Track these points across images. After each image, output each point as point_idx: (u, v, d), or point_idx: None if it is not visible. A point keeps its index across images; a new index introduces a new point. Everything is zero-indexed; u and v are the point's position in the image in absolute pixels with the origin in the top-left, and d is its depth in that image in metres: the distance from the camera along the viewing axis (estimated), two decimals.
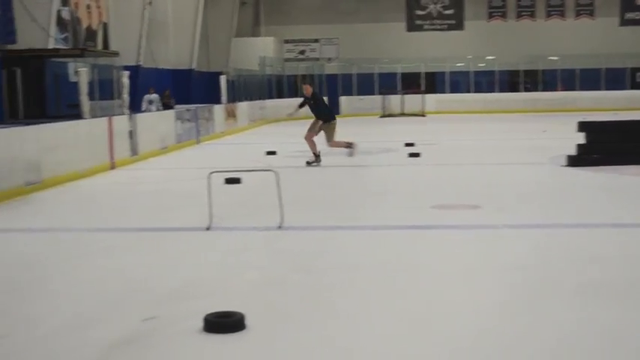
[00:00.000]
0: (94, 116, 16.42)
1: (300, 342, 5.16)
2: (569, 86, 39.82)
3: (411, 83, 39.95)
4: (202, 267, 7.36)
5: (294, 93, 40.43)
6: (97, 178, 14.49)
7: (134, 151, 17.43)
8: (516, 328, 5.37)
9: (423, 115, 36.59)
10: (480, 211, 10.06)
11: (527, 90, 40.62)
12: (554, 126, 26.46)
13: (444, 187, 12.40)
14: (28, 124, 14.00)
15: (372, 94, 39.74)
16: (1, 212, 10.86)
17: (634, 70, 40.49)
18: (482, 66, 41.04)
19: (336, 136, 15.51)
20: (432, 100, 38.37)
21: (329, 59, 42.12)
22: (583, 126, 14.95)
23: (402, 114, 36.90)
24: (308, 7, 42.01)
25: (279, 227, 8.96)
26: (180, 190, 12.79)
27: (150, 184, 13.93)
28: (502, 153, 18.20)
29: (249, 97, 33.48)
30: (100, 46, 23.84)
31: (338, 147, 15.48)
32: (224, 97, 27.47)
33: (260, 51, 38.24)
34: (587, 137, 14.76)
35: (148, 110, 22.84)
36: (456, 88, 41.04)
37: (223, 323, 5.33)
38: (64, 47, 20.33)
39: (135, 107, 21.66)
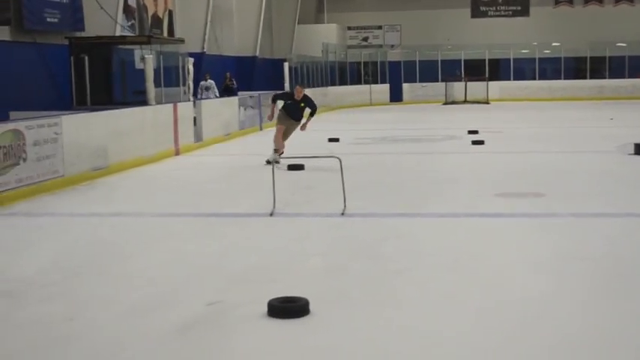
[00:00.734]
0: (159, 103, 16.61)
1: (363, 328, 5.17)
2: (636, 73, 38.99)
3: (475, 70, 39.57)
4: (266, 253, 7.41)
5: (356, 80, 40.41)
6: (161, 163, 14.67)
7: (198, 137, 17.60)
8: (586, 321, 5.30)
9: (487, 103, 36.25)
10: (545, 199, 9.95)
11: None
12: (621, 114, 26.00)
13: (508, 175, 12.28)
14: (95, 110, 14.23)
15: (435, 81, 39.49)
16: (69, 197, 11.07)
17: None
18: (547, 53, 40.41)
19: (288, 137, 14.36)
20: (495, 87, 37.99)
21: (392, 46, 41.91)
22: None
23: (466, 101, 36.61)
24: None
25: (343, 214, 8.97)
26: (244, 176, 12.89)
27: (214, 170, 14.07)
28: (567, 141, 17.93)
29: (312, 84, 33.54)
30: (165, 33, 24.07)
31: (277, 143, 13.94)
32: (287, 83, 27.55)
33: (323, 38, 38.20)
34: None
35: (204, 97, 22.88)
36: (520, 75, 40.48)
37: (288, 308, 5.36)
38: (131, 35, 20.59)
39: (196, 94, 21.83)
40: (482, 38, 39.89)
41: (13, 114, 13.45)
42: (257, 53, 32.85)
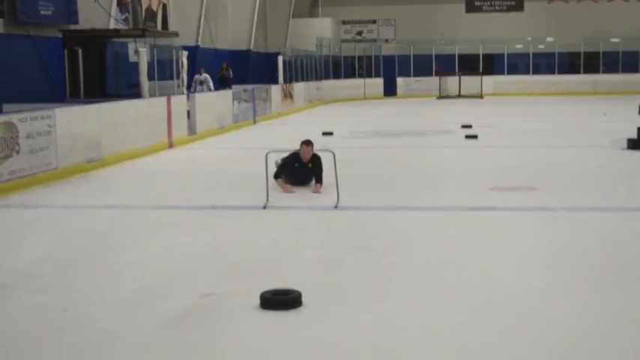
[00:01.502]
0: (152, 96, 16.59)
1: (355, 321, 5.19)
2: (630, 69, 39.06)
3: (469, 65, 39.61)
4: (259, 245, 7.42)
5: (350, 74, 40.40)
6: (155, 156, 14.67)
7: (192, 130, 17.60)
8: (581, 314, 5.32)
9: (481, 97, 36.29)
10: (538, 193, 9.97)
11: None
12: (615, 109, 26.05)
13: (501, 169, 12.30)
14: (88, 103, 14.22)
15: (429, 75, 39.52)
16: (63, 189, 11.07)
17: None
18: (541, 48, 40.47)
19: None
20: (489, 81, 38.03)
21: (386, 40, 41.90)
22: None
23: (459, 95, 36.65)
24: None
25: (336, 207, 8.99)
26: (237, 169, 12.89)
27: (207, 163, 14.07)
28: (561, 135, 17.97)
29: (306, 78, 33.55)
30: (159, 26, 24.03)
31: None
32: (281, 77, 27.55)
33: (317, 32, 38.19)
34: None
35: (198, 91, 22.78)
36: (514, 70, 40.55)
37: (280, 300, 5.38)
38: (125, 28, 20.56)
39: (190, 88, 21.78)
40: (476, 33, 39.90)
41: (6, 106, 13.45)
42: (251, 47, 32.84)
